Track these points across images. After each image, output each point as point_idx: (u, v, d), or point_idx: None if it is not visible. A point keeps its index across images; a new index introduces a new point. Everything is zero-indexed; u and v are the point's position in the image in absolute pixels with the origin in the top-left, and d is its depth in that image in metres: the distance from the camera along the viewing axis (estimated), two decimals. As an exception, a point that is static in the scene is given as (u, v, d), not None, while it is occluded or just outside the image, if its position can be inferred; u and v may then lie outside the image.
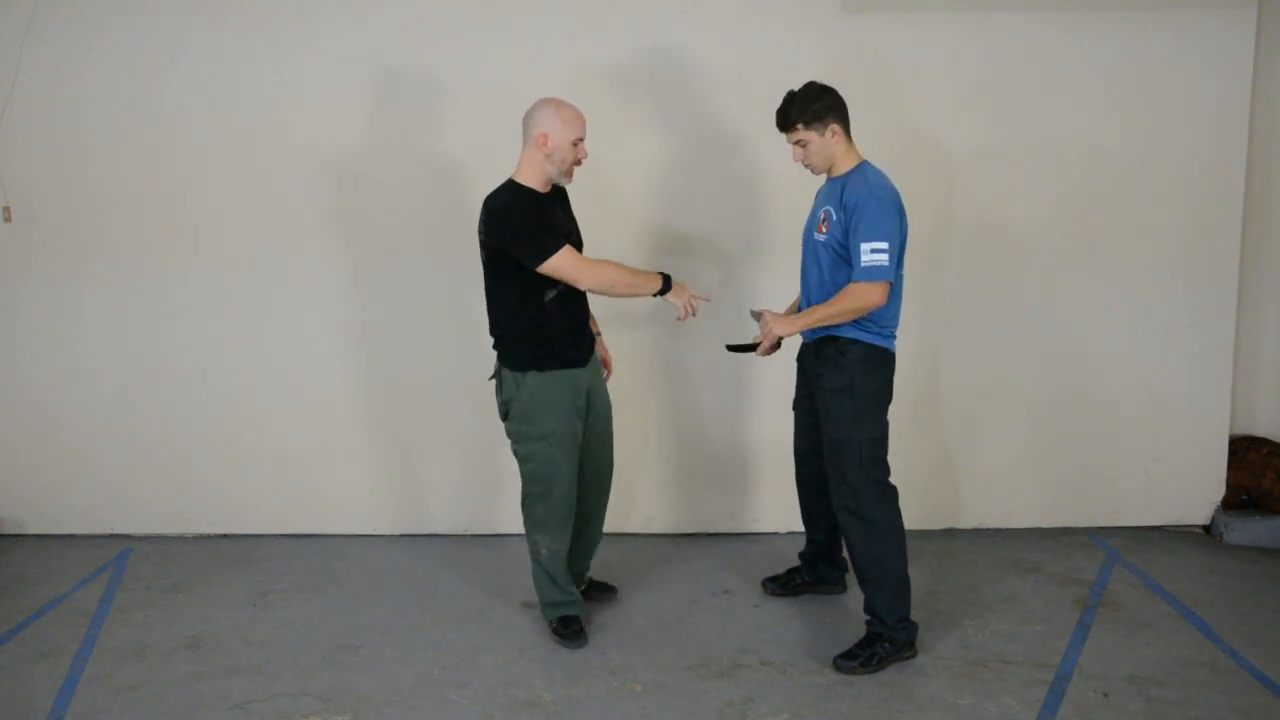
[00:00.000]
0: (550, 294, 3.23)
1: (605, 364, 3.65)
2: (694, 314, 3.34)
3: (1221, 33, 4.06)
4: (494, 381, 3.37)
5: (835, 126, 3.19)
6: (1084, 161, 4.15)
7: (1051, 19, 4.05)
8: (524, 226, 3.13)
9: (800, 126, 3.19)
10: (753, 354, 3.42)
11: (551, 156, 3.19)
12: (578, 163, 3.26)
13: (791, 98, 3.21)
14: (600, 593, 3.73)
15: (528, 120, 3.22)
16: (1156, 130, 4.13)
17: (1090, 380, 4.29)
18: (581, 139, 3.23)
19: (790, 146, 3.26)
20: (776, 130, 3.27)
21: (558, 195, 3.36)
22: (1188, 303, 4.25)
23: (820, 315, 3.18)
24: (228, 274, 4.20)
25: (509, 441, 3.37)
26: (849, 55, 4.01)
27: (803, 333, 3.43)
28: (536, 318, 3.22)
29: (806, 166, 3.28)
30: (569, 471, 3.35)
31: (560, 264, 3.14)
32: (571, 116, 3.21)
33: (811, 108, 3.17)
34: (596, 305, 3.58)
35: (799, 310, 3.41)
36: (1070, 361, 4.28)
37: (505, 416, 3.34)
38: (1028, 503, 4.37)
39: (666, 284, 3.29)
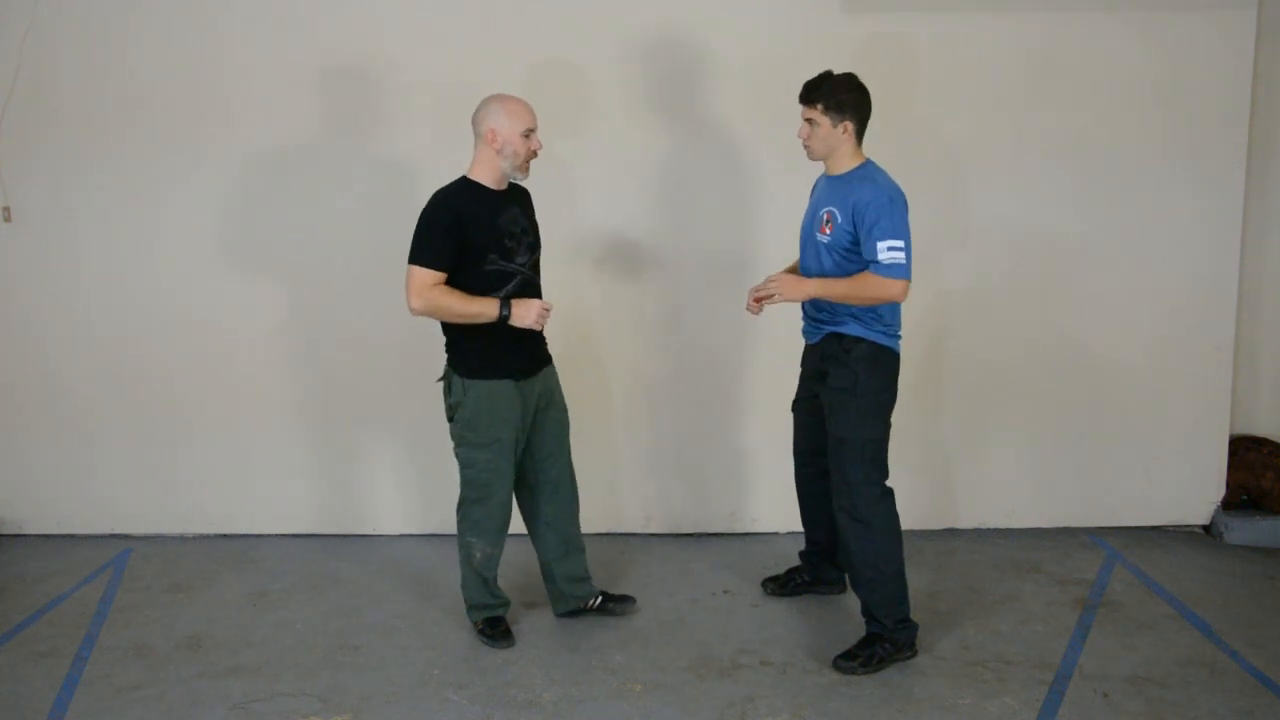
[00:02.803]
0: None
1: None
2: (542, 324, 3.21)
3: (1221, 33, 4.06)
4: (442, 383, 3.34)
5: (849, 124, 3.17)
6: (1083, 160, 4.15)
7: (1050, 19, 4.05)
8: (426, 224, 3.14)
9: (819, 107, 3.16)
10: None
11: (503, 151, 3.17)
12: (533, 155, 3.23)
13: (826, 76, 3.18)
14: (619, 604, 3.64)
15: (475, 119, 3.21)
16: (1155, 130, 4.13)
17: (1090, 380, 4.29)
18: (532, 130, 3.20)
19: (801, 120, 3.23)
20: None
21: (515, 195, 3.31)
22: (1188, 303, 4.25)
23: (840, 291, 3.15)
24: (228, 274, 4.20)
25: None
26: (849, 54, 4.00)
27: (806, 333, 3.44)
28: (486, 326, 3.18)
29: (805, 146, 3.25)
30: (509, 479, 3.34)
31: (414, 275, 3.10)
32: (518, 109, 3.18)
33: (837, 97, 3.15)
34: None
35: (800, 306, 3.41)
36: (1070, 361, 4.28)
37: (451, 419, 3.32)
38: (1028, 503, 4.38)
39: (505, 309, 3.16)
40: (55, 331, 4.25)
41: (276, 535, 4.37)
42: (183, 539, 4.37)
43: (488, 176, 3.22)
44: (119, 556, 4.19)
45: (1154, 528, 4.41)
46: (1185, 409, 4.31)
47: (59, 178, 4.14)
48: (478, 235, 3.15)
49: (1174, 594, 3.79)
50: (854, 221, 3.14)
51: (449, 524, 4.30)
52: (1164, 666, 3.27)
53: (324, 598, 3.80)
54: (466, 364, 3.24)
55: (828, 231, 3.23)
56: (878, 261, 3.08)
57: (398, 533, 4.38)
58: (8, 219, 4.16)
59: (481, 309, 3.15)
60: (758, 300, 3.29)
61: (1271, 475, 4.33)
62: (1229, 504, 4.38)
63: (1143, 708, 3.04)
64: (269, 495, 4.35)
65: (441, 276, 3.12)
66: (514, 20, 4.03)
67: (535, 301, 3.21)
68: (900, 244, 3.08)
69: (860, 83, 3.20)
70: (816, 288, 3.18)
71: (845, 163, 3.23)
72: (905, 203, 3.15)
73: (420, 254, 3.12)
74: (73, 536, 4.38)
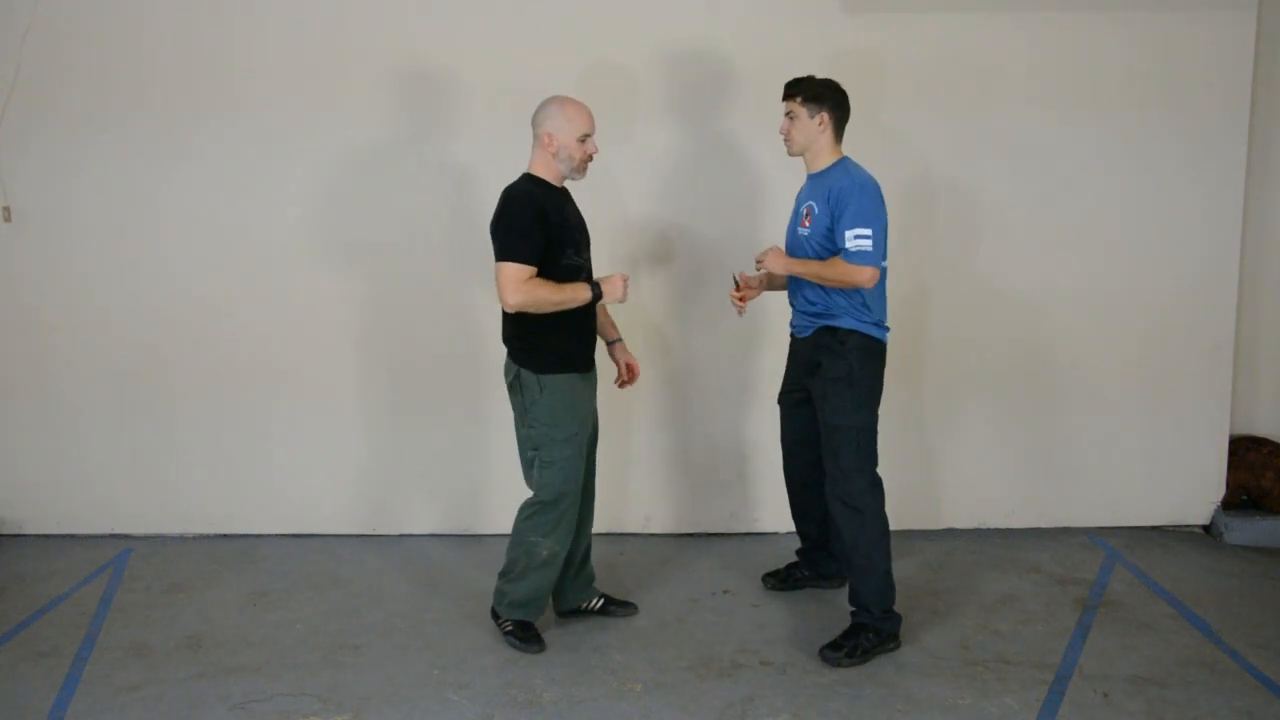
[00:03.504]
0: None
1: (632, 369, 3.54)
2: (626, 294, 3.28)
3: (1221, 33, 4.06)
4: (510, 384, 3.32)
5: (826, 116, 3.30)
6: (1082, 160, 4.15)
7: (1049, 20, 4.06)
8: (515, 220, 3.12)
9: (798, 99, 3.31)
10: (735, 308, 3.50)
11: (559, 155, 3.20)
12: (589, 158, 3.25)
13: (809, 77, 3.35)
14: (620, 608, 3.64)
15: (534, 121, 3.23)
16: (1155, 130, 4.13)
17: (1091, 380, 4.29)
18: (589, 134, 3.22)
19: (782, 116, 3.38)
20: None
21: (567, 193, 3.34)
22: (1188, 302, 4.25)
23: (813, 270, 3.28)
24: (228, 277, 4.20)
25: (523, 445, 3.32)
26: (848, 54, 4.01)
27: (797, 327, 3.48)
28: (556, 319, 3.19)
29: (786, 141, 3.38)
30: (580, 479, 3.34)
31: (509, 271, 3.09)
32: (576, 113, 3.20)
33: (815, 91, 3.30)
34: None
35: (789, 289, 3.51)
36: (1071, 361, 4.28)
37: (524, 422, 3.30)
38: (1028, 503, 4.38)
39: (596, 290, 3.22)
40: (55, 331, 4.25)
41: (277, 535, 4.37)
42: (183, 539, 4.37)
43: (548, 174, 3.25)
44: (119, 556, 4.19)
45: (1154, 528, 4.41)
46: (1185, 409, 4.31)
47: (58, 176, 4.14)
48: (556, 230, 3.17)
49: (1174, 594, 3.79)
50: (829, 211, 3.24)
51: (450, 523, 4.33)
52: (1164, 666, 3.27)
53: (324, 598, 3.80)
54: (539, 360, 3.23)
55: (807, 225, 3.34)
56: (845, 249, 3.18)
57: (398, 533, 4.38)
58: (8, 219, 4.16)
59: (574, 294, 3.18)
60: (743, 299, 3.45)
61: (1271, 475, 4.33)
62: (1229, 504, 4.38)
63: (1143, 708, 3.04)
64: (269, 495, 4.34)
65: (534, 270, 3.12)
66: (516, 20, 4.03)
67: (616, 275, 3.27)
68: (867, 232, 3.16)
69: (839, 85, 3.34)
70: (795, 265, 3.32)
71: (823, 158, 3.33)
72: (879, 193, 3.24)
73: (513, 250, 3.11)
74: (73, 536, 4.38)
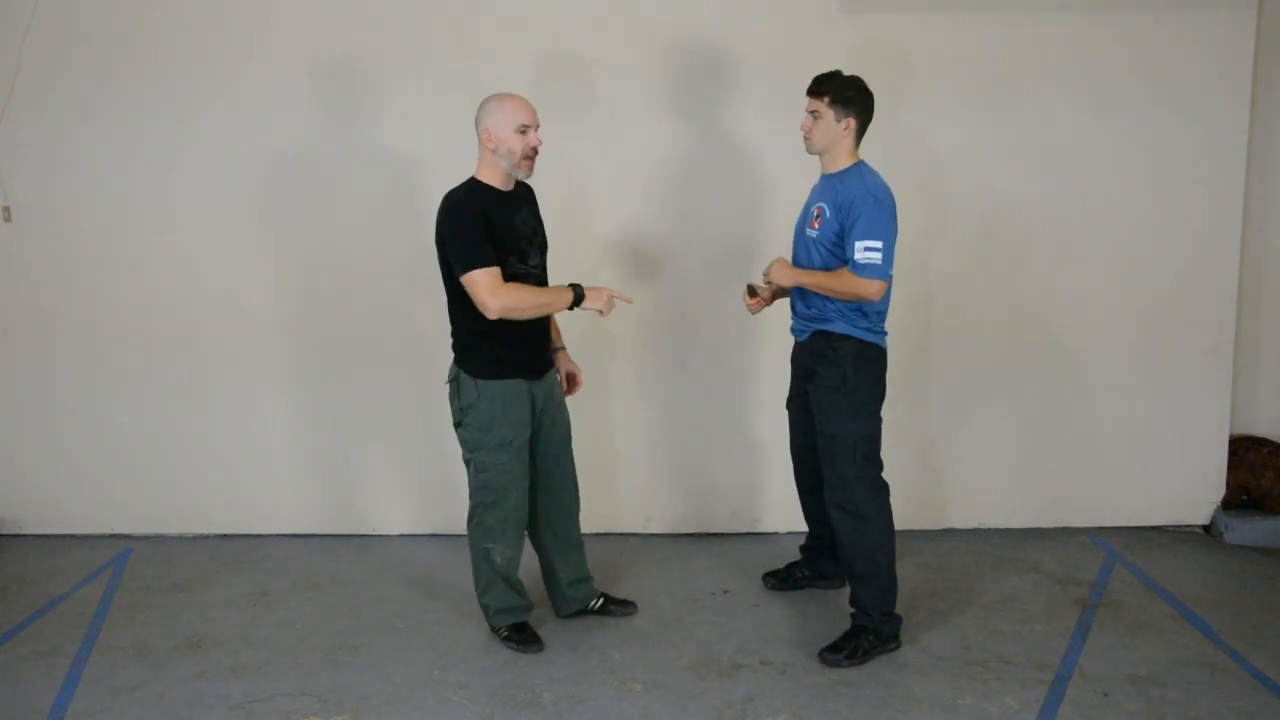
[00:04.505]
0: None
1: (574, 379, 3.49)
2: (611, 310, 3.26)
3: (1221, 33, 4.06)
4: (449, 386, 3.30)
5: (852, 122, 3.22)
6: (1081, 160, 4.15)
7: (1048, 19, 4.05)
8: (462, 229, 3.06)
9: (827, 100, 3.22)
10: (749, 306, 3.51)
11: (499, 151, 3.12)
12: (533, 151, 3.15)
13: (837, 74, 3.26)
14: (620, 607, 3.65)
15: (475, 121, 3.16)
16: (1156, 130, 4.13)
17: (1090, 380, 4.29)
18: (529, 126, 3.12)
19: (805, 112, 3.28)
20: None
21: (523, 195, 3.28)
22: (1187, 302, 4.25)
23: (818, 281, 3.23)
24: (227, 277, 4.20)
25: (461, 446, 3.30)
26: (846, 53, 4.00)
27: (796, 331, 3.46)
28: (501, 324, 3.13)
29: (805, 138, 3.29)
30: (524, 480, 3.30)
31: (479, 280, 3.03)
32: (513, 106, 3.11)
33: (845, 93, 3.21)
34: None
35: (791, 293, 3.47)
36: (1070, 361, 4.28)
37: (459, 424, 3.27)
38: (1028, 503, 4.38)
39: (578, 295, 3.20)
40: (55, 331, 4.25)
41: (276, 535, 4.37)
42: (183, 539, 4.38)
43: (494, 178, 3.17)
44: (119, 556, 4.19)
45: (1154, 528, 4.41)
46: (1185, 409, 4.31)
47: (58, 176, 4.14)
48: (499, 237, 3.11)
49: (1174, 594, 3.79)
50: (840, 218, 3.20)
51: (450, 524, 4.32)
52: (1164, 666, 3.27)
53: (324, 598, 3.80)
54: (480, 365, 3.21)
55: (816, 226, 3.29)
56: (854, 260, 3.14)
57: (398, 532, 4.38)
58: (8, 219, 4.16)
59: (556, 297, 3.17)
60: (758, 299, 3.45)
61: (1271, 475, 4.33)
62: (1229, 504, 4.38)
63: (1143, 708, 3.04)
64: (269, 495, 4.35)
65: (499, 271, 3.07)
66: (513, 16, 4.03)
67: (604, 288, 3.24)
68: (878, 245, 3.12)
69: (867, 87, 3.26)
70: (801, 276, 3.28)
71: (840, 161, 3.27)
72: (892, 204, 3.19)
73: (473, 258, 3.05)
74: (73, 536, 4.38)
